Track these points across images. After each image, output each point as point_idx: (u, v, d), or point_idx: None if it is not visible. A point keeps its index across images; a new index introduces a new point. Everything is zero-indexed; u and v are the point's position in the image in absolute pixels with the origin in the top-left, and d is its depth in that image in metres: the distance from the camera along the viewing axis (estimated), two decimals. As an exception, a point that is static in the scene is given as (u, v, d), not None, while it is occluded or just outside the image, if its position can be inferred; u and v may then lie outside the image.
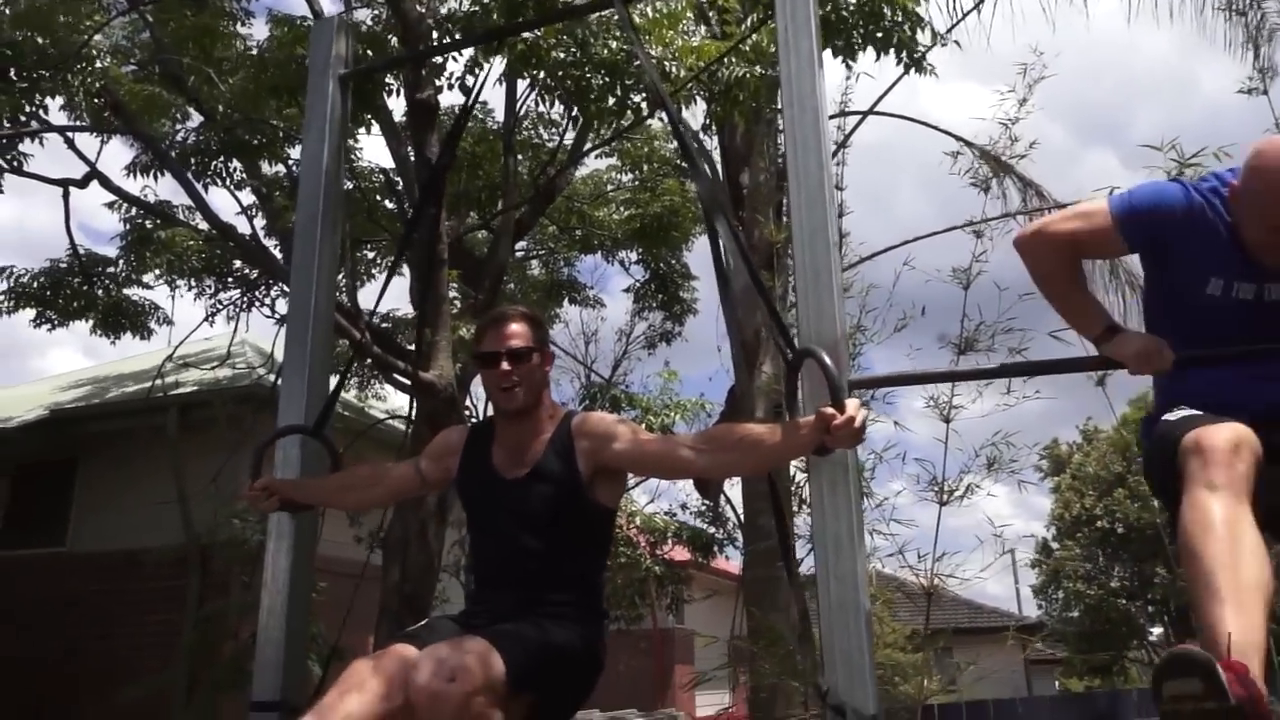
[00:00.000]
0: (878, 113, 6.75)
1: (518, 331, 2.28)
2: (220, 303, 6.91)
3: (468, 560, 2.62)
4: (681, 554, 10.62)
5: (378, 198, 7.13)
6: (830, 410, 1.91)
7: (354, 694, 1.93)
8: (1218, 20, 6.40)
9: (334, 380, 2.86)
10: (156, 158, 5.80)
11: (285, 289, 6.70)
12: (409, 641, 2.08)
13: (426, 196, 2.82)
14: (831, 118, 6.13)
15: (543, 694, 2.06)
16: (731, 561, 12.68)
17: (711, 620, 13.09)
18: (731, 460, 2.13)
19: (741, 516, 7.43)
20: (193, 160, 5.71)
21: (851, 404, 1.92)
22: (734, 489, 8.18)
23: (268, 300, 7.06)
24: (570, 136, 6.51)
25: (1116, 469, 19.40)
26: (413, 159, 5.24)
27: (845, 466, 2.08)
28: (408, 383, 4.76)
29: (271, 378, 7.37)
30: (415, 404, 4.73)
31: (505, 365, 2.25)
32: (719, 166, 6.08)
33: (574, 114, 5.26)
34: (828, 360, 1.99)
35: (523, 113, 6.35)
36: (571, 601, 2.21)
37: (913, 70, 5.05)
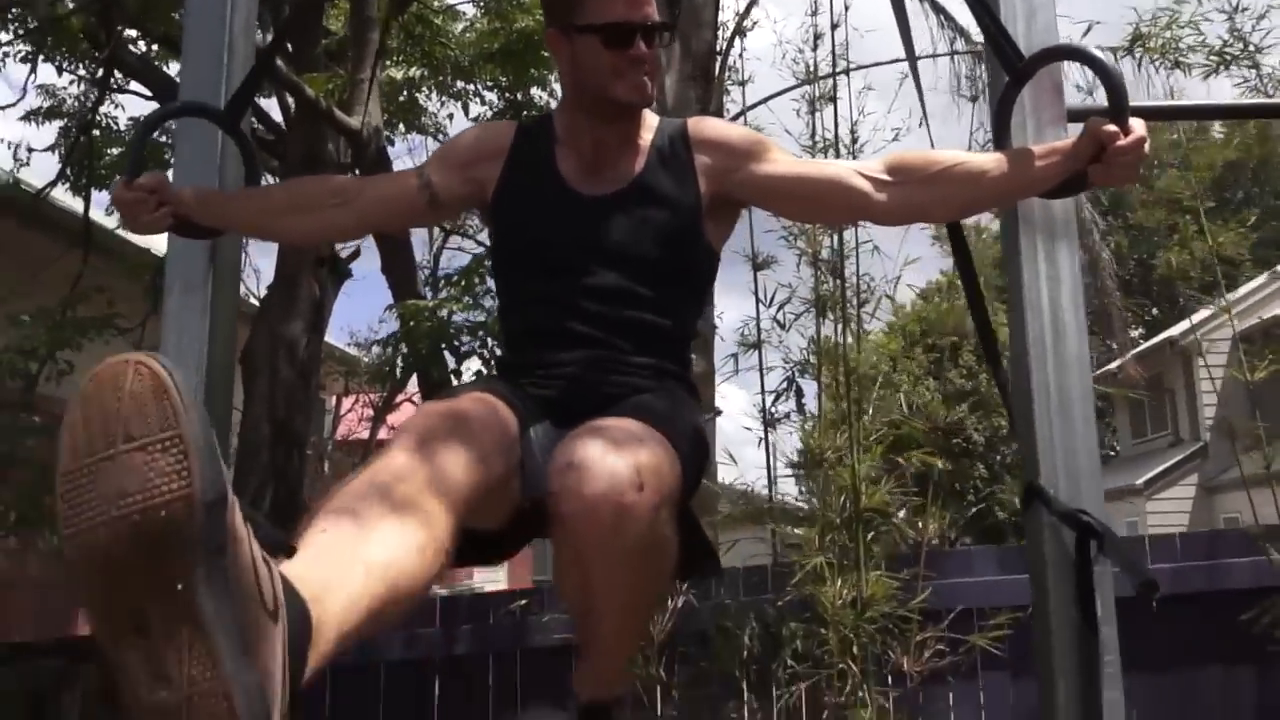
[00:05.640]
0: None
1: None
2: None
3: (502, 320, 1.82)
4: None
5: None
6: (1112, 127, 1.36)
7: (445, 446, 1.24)
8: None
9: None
10: None
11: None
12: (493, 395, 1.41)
13: None
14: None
15: (686, 499, 1.45)
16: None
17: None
18: (933, 198, 1.49)
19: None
20: None
21: (1138, 122, 1.40)
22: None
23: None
24: None
25: (883, 369, 20.59)
26: None
27: (1070, 215, 1.59)
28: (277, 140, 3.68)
29: (30, 179, 5.94)
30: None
31: (644, 45, 1.54)
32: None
33: None
34: (1099, 55, 1.46)
35: None
36: (678, 374, 1.59)
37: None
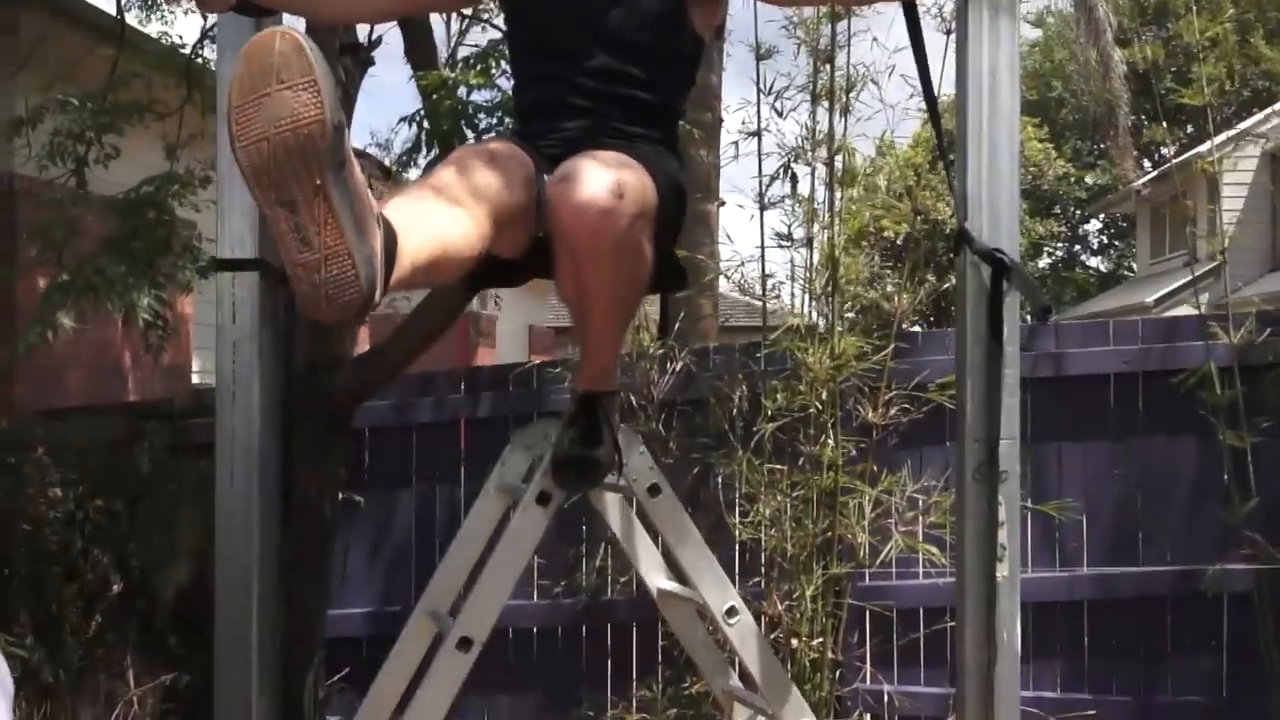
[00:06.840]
0: None
1: None
2: None
3: (516, 97, 2.11)
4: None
5: None
6: None
7: (481, 171, 1.53)
8: None
9: None
10: None
11: None
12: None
13: None
14: None
15: (664, 230, 1.74)
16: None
17: (520, 307, 13.08)
18: None
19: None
20: None
21: None
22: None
23: None
24: None
25: (908, 183, 20.47)
26: None
27: (1012, -8, 1.80)
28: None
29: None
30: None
31: None
32: None
33: None
34: None
35: None
36: (663, 140, 1.86)
37: None
